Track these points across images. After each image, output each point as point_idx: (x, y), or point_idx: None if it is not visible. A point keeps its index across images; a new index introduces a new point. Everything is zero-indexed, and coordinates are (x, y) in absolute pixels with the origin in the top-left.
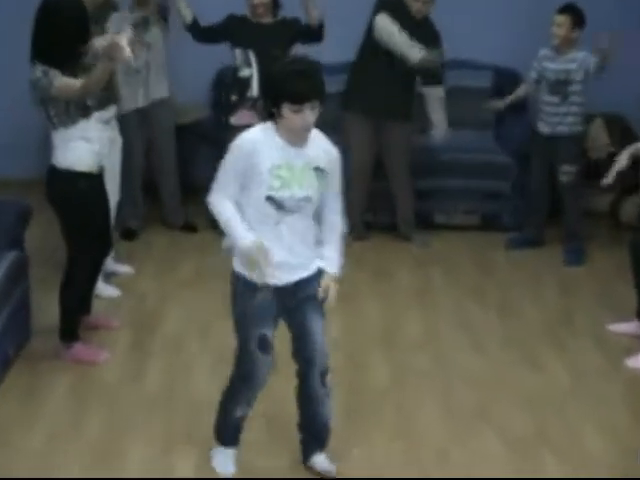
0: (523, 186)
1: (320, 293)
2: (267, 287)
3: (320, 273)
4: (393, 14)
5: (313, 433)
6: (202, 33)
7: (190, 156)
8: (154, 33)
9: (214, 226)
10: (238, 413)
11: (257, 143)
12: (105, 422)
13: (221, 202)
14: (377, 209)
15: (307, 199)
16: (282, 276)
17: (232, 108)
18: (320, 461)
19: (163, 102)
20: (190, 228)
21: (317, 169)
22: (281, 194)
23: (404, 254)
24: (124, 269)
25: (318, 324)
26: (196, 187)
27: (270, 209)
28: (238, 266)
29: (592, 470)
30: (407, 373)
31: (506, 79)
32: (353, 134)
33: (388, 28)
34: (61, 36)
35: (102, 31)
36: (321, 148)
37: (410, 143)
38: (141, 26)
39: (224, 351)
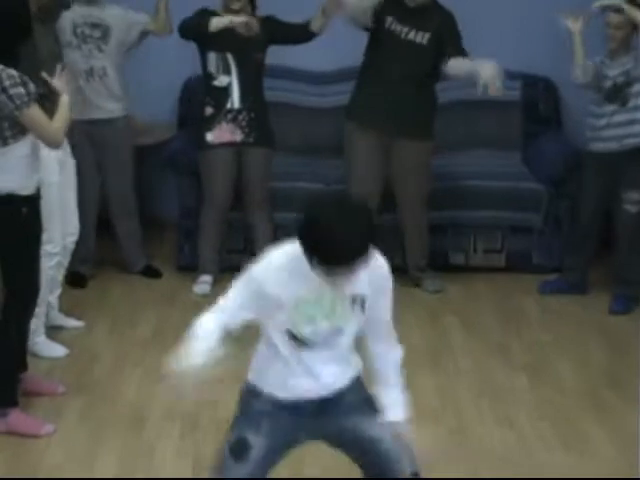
0: (557, 218)
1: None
2: (271, 398)
3: (358, 379)
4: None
5: None
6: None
7: (153, 184)
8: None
9: (182, 269)
10: None
11: (274, 278)
12: None
13: (205, 321)
14: (385, 248)
15: (337, 331)
16: (293, 394)
17: (207, 123)
18: None
19: (116, 119)
20: (152, 273)
21: (354, 297)
22: (300, 329)
23: (413, 303)
24: (72, 323)
25: (379, 429)
26: (160, 223)
27: (287, 341)
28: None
29: None
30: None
31: (539, 90)
32: (356, 150)
33: None
34: None
35: (51, 32)
36: (364, 270)
37: (429, 166)
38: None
39: (194, 425)
